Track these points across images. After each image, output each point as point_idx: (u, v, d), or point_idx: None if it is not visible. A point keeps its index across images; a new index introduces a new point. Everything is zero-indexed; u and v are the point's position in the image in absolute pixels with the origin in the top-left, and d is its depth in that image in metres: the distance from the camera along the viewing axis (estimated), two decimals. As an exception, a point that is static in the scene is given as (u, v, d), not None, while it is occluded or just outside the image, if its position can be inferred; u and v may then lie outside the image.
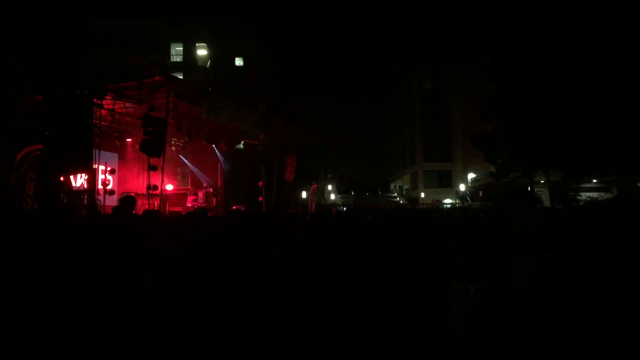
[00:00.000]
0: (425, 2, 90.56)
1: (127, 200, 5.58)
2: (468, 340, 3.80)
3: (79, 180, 13.74)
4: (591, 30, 25.54)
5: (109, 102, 14.07)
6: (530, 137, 28.02)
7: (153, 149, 12.97)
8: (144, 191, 14.59)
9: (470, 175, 51.75)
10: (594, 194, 33.87)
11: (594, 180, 36.83)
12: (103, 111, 13.73)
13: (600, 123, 25.17)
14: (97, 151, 13.48)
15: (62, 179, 12.79)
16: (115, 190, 16.91)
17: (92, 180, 13.02)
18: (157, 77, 13.01)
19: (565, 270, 3.71)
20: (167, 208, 17.23)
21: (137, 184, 17.43)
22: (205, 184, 19.69)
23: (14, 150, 13.00)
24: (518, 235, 5.04)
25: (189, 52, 48.51)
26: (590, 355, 3.36)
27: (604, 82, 24.85)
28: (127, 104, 14.58)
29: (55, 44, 36.67)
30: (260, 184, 20.36)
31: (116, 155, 18.08)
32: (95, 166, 13.44)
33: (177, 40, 48.46)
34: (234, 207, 16.77)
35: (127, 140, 17.61)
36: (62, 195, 12.49)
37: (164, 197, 15.40)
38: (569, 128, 26.33)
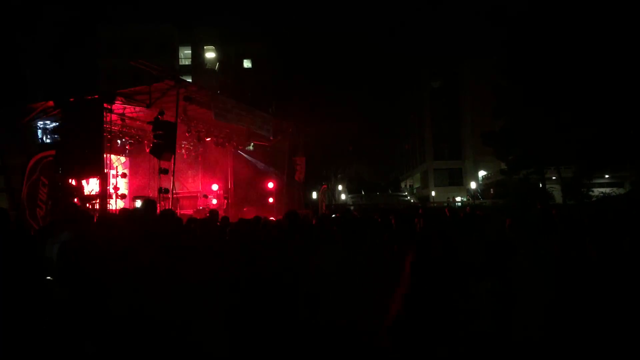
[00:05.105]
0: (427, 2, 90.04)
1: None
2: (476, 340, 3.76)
3: (91, 185, 13.82)
4: (605, 25, 25.25)
5: (119, 106, 14.16)
6: (543, 133, 27.68)
7: (163, 152, 13.06)
8: (156, 194, 14.66)
9: (481, 173, 51.44)
10: (607, 190, 33.52)
11: (607, 176, 36.46)
12: (113, 116, 13.82)
13: (615, 117, 24.90)
14: (108, 155, 13.59)
15: (74, 183, 12.87)
16: (127, 194, 17.02)
17: (103, 184, 13.10)
18: (166, 81, 13.07)
19: (564, 268, 3.66)
20: (178, 211, 17.34)
21: (149, 187, 17.53)
22: (215, 186, 19.74)
23: (27, 157, 13.10)
24: (511, 234, 5.00)
25: (197, 55, 48.75)
26: (588, 354, 3.31)
27: (619, 76, 24.57)
28: (137, 108, 14.67)
29: (66, 50, 37.05)
30: (272, 185, 20.38)
31: (127, 159, 18.22)
32: (106, 170, 13.53)
33: (185, 44, 48.74)
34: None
35: (138, 144, 17.73)
36: (75, 199, 12.57)
37: (175, 200, 15.47)
38: (583, 122, 25.99)
